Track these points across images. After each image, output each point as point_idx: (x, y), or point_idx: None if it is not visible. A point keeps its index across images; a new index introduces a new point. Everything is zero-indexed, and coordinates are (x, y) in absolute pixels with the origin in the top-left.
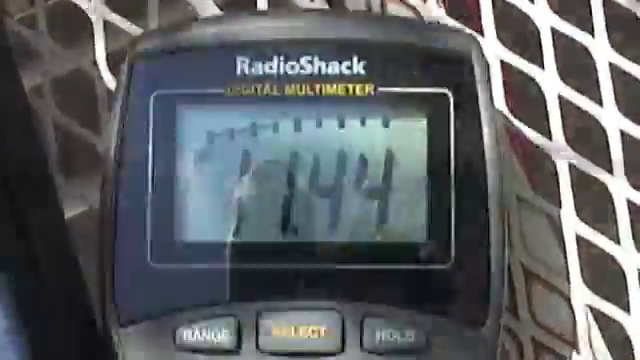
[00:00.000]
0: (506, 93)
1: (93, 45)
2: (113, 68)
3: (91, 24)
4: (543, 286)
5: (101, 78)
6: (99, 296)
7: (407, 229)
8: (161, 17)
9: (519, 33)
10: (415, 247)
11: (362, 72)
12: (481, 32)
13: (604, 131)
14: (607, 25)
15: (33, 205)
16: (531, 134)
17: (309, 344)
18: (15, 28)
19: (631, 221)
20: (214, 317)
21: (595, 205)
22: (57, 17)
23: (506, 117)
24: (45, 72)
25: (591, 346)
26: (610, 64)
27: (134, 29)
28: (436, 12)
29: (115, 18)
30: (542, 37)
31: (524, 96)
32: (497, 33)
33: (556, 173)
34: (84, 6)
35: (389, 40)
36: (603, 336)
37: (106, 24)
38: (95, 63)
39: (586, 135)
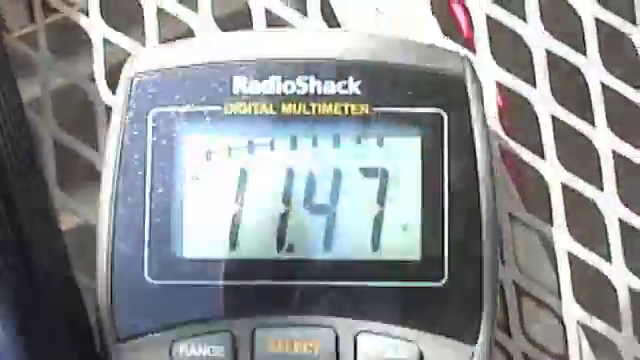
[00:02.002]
0: (499, 112)
1: (91, 61)
2: (111, 82)
3: (89, 40)
4: (535, 303)
5: (99, 94)
6: (97, 311)
7: (401, 247)
8: (159, 34)
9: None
10: (409, 264)
11: (357, 92)
12: (474, 52)
13: (596, 150)
14: (600, 44)
15: (31, 219)
16: (524, 153)
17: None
18: (15, 44)
19: (622, 238)
20: (210, 332)
21: (587, 223)
22: (56, 34)
23: (499, 136)
24: (43, 87)
25: None
26: (602, 84)
27: (132, 45)
28: (431, 32)
29: (114, 35)
30: (535, 58)
31: (517, 115)
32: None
33: (548, 191)
34: (83, 23)
35: (384, 60)
36: (594, 353)
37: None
38: (93, 78)
39: (578, 154)
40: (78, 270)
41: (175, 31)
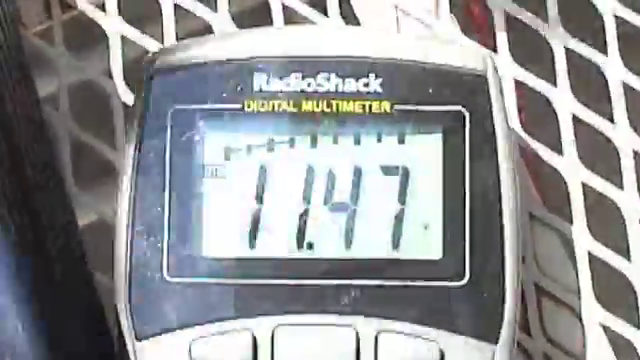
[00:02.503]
0: (520, 111)
1: (109, 58)
2: (128, 77)
3: (106, 36)
4: (555, 303)
5: (116, 90)
6: (115, 310)
7: (422, 245)
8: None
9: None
10: (430, 264)
11: (379, 90)
12: (494, 49)
13: (616, 149)
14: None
15: (48, 216)
16: (544, 152)
17: (324, 359)
18: (32, 40)
19: None
20: (230, 331)
21: (607, 222)
22: (73, 30)
23: (519, 134)
24: (60, 83)
25: None
26: (623, 82)
27: (150, 42)
28: (450, 30)
29: (132, 32)
30: (556, 57)
31: (538, 114)
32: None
33: (568, 190)
34: (101, 20)
35: (405, 58)
36: (614, 353)
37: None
38: (110, 75)
39: (598, 152)
40: (95, 268)
41: (192, 28)
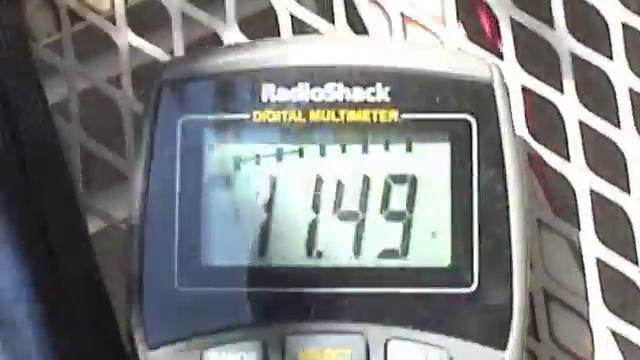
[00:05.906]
0: (527, 117)
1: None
2: (138, 86)
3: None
4: (563, 308)
5: (126, 101)
6: (127, 319)
7: (431, 253)
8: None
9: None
10: (438, 271)
11: (386, 98)
12: (500, 56)
13: (623, 154)
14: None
15: (60, 225)
16: (551, 158)
17: None
18: (42, 53)
19: None
20: (241, 340)
21: (615, 227)
22: (83, 41)
23: (526, 141)
24: (71, 95)
25: None
26: (630, 88)
27: (159, 52)
28: (457, 38)
29: (141, 43)
30: (562, 62)
31: (545, 120)
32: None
33: (576, 196)
34: (110, 31)
35: (412, 67)
36: (623, 358)
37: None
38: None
39: (605, 157)
40: (106, 275)
41: (199, 35)
